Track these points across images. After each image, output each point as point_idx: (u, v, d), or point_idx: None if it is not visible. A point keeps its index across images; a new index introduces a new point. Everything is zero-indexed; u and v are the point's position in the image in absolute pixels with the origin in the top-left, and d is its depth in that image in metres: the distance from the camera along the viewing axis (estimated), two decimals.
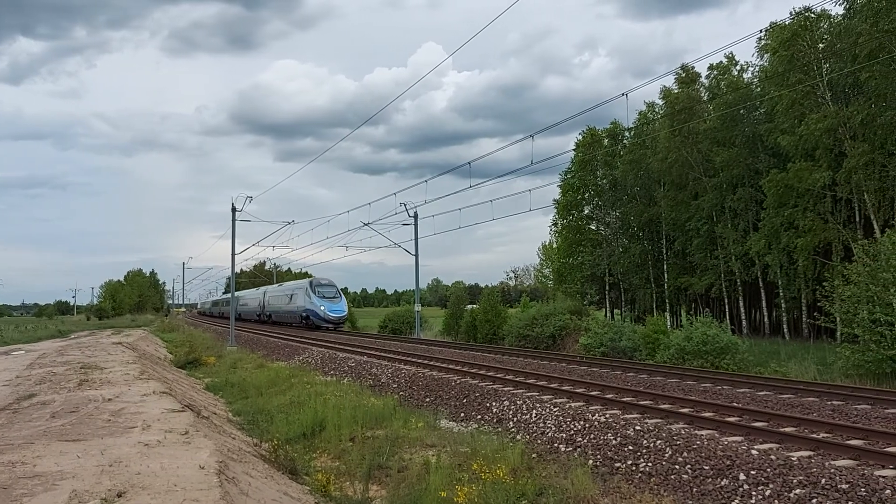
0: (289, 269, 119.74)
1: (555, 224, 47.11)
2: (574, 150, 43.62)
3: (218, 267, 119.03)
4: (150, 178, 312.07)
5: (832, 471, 8.01)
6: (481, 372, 18.95)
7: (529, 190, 43.71)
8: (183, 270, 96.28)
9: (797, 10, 26.31)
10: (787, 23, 26.80)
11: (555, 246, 55.88)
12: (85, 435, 8.96)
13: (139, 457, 7.61)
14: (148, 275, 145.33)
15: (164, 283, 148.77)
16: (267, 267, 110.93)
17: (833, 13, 27.07)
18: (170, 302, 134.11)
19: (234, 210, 39.57)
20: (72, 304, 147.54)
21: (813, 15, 26.46)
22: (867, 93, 24.14)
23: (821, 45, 26.63)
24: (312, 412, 13.39)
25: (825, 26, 27.02)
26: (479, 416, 13.90)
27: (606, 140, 43.21)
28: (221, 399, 18.51)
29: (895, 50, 22.33)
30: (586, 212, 45.27)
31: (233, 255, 41.48)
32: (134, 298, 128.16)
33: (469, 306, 47.82)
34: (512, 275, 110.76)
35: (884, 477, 7.81)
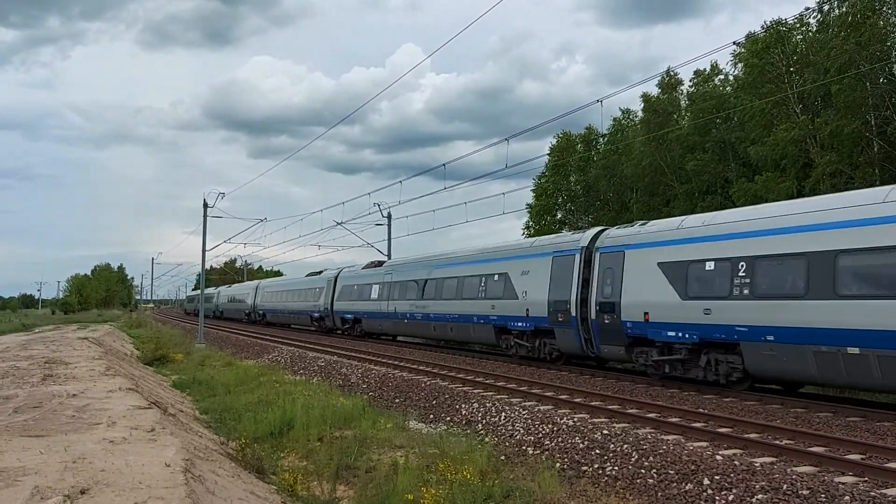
0: (260, 266, 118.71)
1: (527, 228, 47.33)
2: (548, 154, 43.88)
3: (187, 263, 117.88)
4: (122, 171, 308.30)
5: (794, 477, 8.17)
6: (451, 374, 18.98)
7: (503, 193, 43.59)
8: (152, 266, 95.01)
9: (770, 22, 26.84)
10: (760, 34, 27.28)
11: None
12: (48, 431, 8.82)
13: (104, 453, 7.51)
14: (116, 270, 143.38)
15: (132, 278, 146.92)
16: (238, 264, 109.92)
17: (809, 23, 27.56)
18: (137, 297, 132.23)
19: (205, 206, 39.17)
20: (37, 297, 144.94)
21: (784, 28, 26.96)
22: (836, 105, 24.65)
23: (794, 58, 27.11)
24: (280, 411, 13.32)
25: (798, 38, 27.52)
26: (449, 418, 13.93)
27: (580, 145, 43.52)
28: (188, 397, 18.32)
29: (864, 65, 22.82)
30: (559, 216, 45.53)
31: (203, 251, 41.06)
32: (101, 293, 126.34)
33: None
34: None
35: (843, 483, 7.99)
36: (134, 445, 8.09)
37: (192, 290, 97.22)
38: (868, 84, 23.65)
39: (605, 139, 40.95)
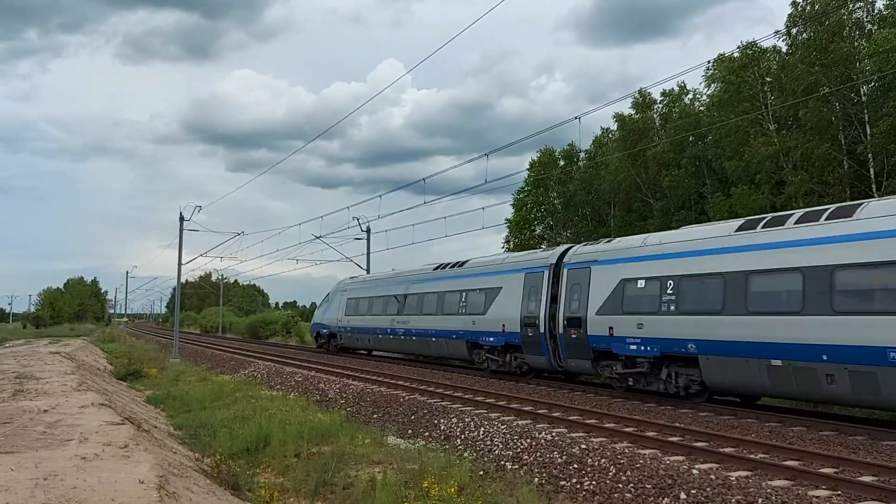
0: (235, 280, 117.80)
1: (507, 242, 47.55)
2: (528, 169, 44.24)
3: (162, 277, 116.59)
4: (100, 184, 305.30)
5: (768, 491, 8.24)
6: (430, 388, 18.95)
7: (483, 208, 43.42)
8: (126, 279, 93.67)
9: (745, 42, 27.48)
10: (735, 54, 27.83)
11: None
12: (18, 447, 8.65)
13: (76, 470, 7.38)
14: (89, 283, 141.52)
15: (105, 291, 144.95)
16: (213, 278, 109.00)
17: (778, 46, 28.20)
18: (111, 311, 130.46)
19: (182, 219, 38.84)
20: (8, 311, 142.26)
21: (759, 48, 27.53)
22: (804, 126, 25.17)
23: (768, 79, 27.66)
24: (257, 427, 13.17)
25: (771, 60, 28.09)
26: (427, 433, 13.88)
27: (562, 161, 43.94)
28: (163, 412, 18.07)
29: (831, 86, 23.35)
30: (538, 231, 45.82)
31: (179, 265, 40.69)
32: (74, 307, 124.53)
33: None
34: None
35: (817, 497, 8.08)
36: (107, 462, 7.95)
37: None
38: (837, 105, 24.18)
39: (586, 154, 41.40)
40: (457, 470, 9.94)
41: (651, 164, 34.13)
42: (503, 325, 21.07)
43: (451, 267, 25.62)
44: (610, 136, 40.20)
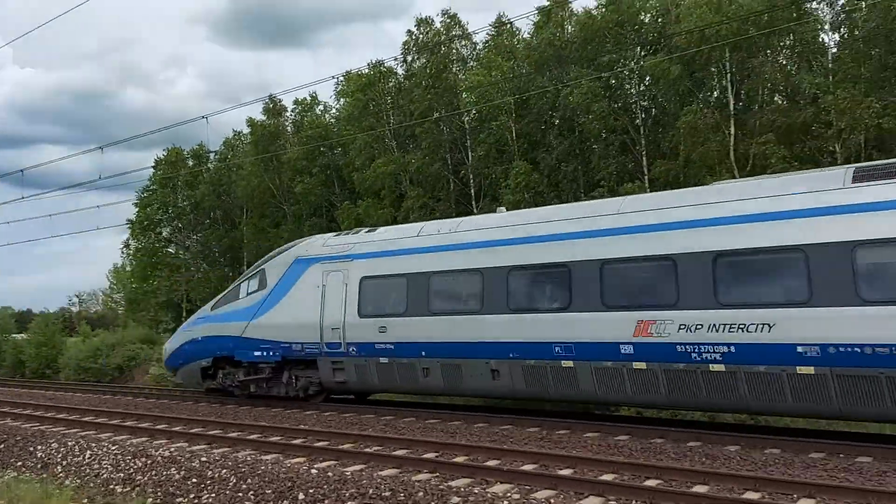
0: None
1: (127, 246, 44.00)
2: (154, 167, 41.48)
3: None
4: None
5: (379, 481, 8.89)
6: (27, 412, 16.56)
7: (98, 206, 38.77)
8: None
9: (373, 61, 29.54)
10: (364, 72, 29.69)
11: (128, 269, 51.67)
12: None
13: None
14: None
15: None
16: None
17: (396, 70, 30.90)
18: None
19: None
20: None
21: (385, 69, 29.81)
22: (420, 145, 28.02)
23: (389, 99, 30.05)
24: None
25: (392, 83, 30.60)
26: (20, 463, 12.07)
27: (191, 161, 42.03)
28: None
29: (442, 112, 26.41)
30: (165, 234, 43.22)
31: None
32: None
33: (18, 335, 41.56)
34: (76, 300, 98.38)
35: (419, 481, 8.95)
36: None
37: None
38: (446, 129, 27.38)
39: (216, 156, 40.23)
40: (55, 500, 8.87)
41: (285, 171, 34.57)
42: None
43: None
44: (243, 139, 39.71)
